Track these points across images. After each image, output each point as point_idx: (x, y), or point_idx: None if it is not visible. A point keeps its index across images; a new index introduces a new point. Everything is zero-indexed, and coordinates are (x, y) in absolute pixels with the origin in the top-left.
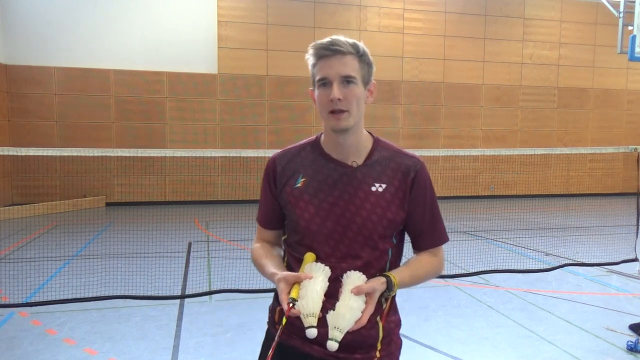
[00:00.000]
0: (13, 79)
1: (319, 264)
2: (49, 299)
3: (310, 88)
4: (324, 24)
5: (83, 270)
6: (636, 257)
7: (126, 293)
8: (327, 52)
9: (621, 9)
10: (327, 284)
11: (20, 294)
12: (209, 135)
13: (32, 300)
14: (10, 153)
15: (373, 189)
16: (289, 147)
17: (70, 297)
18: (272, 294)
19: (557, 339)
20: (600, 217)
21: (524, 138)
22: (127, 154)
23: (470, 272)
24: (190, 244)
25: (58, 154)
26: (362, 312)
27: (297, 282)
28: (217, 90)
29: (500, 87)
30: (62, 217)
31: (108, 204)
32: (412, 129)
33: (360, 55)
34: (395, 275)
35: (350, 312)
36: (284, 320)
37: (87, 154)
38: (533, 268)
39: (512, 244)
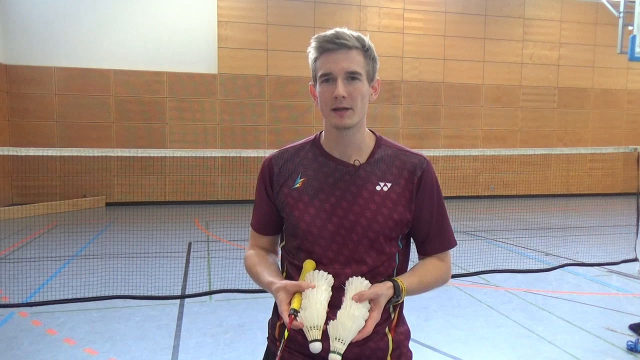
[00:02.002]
0: (13, 79)
1: (321, 271)
2: (49, 299)
3: (311, 83)
4: (324, 24)
5: (83, 270)
6: (636, 257)
7: (126, 293)
8: (331, 46)
9: (621, 9)
10: (331, 293)
11: (20, 294)
12: (209, 135)
13: (32, 300)
14: (10, 153)
15: (378, 188)
16: (286, 146)
17: (70, 297)
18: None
19: (557, 339)
20: (600, 217)
21: (524, 138)
22: (127, 154)
23: (470, 272)
24: (190, 244)
25: (58, 154)
26: (366, 321)
27: (298, 291)
28: (217, 90)
29: (500, 87)
30: (62, 217)
31: (108, 204)
32: (412, 129)
33: (366, 50)
34: (403, 280)
35: (352, 321)
36: (286, 333)
37: (87, 154)
38: (533, 268)
39: (512, 244)
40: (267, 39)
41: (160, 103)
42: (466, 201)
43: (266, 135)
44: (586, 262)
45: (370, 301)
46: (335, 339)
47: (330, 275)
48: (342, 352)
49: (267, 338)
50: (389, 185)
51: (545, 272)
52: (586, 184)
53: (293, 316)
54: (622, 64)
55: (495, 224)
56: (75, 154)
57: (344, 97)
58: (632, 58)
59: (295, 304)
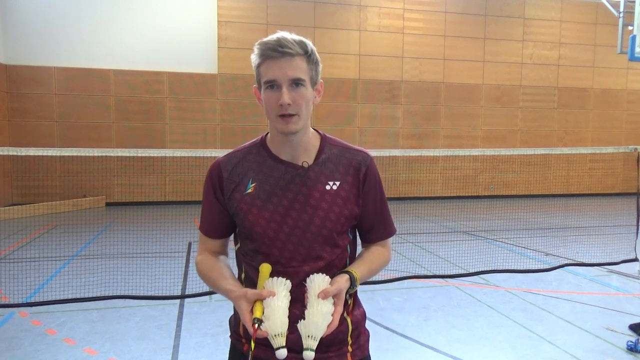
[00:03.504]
0: (13, 79)
1: (280, 278)
2: (49, 299)
3: (255, 86)
4: (324, 24)
5: (83, 270)
6: (636, 257)
7: (126, 293)
8: (275, 54)
9: (621, 9)
10: (290, 297)
11: (20, 294)
12: (209, 135)
13: (32, 300)
14: (10, 153)
15: (327, 187)
16: (233, 150)
17: (70, 297)
18: None
19: (557, 339)
20: (600, 217)
21: (524, 138)
22: (127, 154)
23: (470, 272)
24: (190, 244)
25: (58, 154)
26: (333, 315)
27: (259, 299)
28: (217, 90)
29: (500, 87)
30: (62, 217)
31: (108, 204)
32: (412, 129)
33: (309, 55)
34: (356, 270)
35: (321, 318)
36: (252, 344)
37: (87, 154)
38: (533, 268)
39: (512, 244)
40: None
41: (160, 103)
42: (466, 201)
43: None
44: (586, 262)
45: (334, 296)
46: (308, 336)
47: (289, 281)
48: (314, 348)
49: (230, 336)
50: (337, 183)
51: (545, 272)
52: (586, 184)
53: (257, 326)
54: (622, 64)
55: (495, 224)
56: (75, 154)
57: (289, 104)
58: (632, 58)
59: (257, 313)
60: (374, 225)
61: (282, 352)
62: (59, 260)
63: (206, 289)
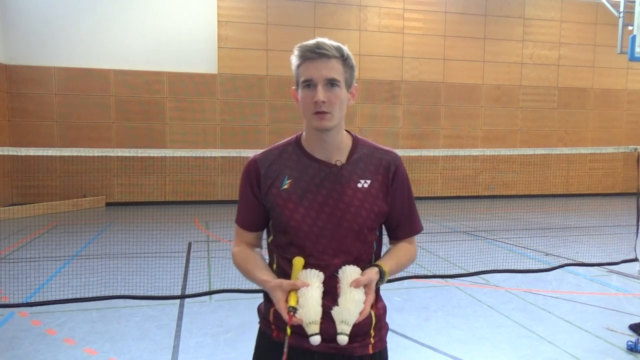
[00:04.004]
0: (13, 79)
1: (312, 270)
2: (49, 299)
3: (293, 87)
4: (324, 24)
5: (83, 270)
6: (636, 257)
7: (126, 293)
8: (312, 55)
9: (621, 9)
10: (323, 289)
11: (20, 294)
12: (209, 135)
13: (32, 300)
14: (10, 153)
15: (359, 185)
16: (269, 148)
17: (70, 297)
18: None
19: (557, 339)
20: (600, 217)
21: (524, 138)
22: (127, 154)
23: (470, 272)
24: (190, 244)
25: (58, 154)
26: (364, 303)
27: (293, 289)
28: (217, 90)
29: (500, 87)
30: (62, 217)
31: (108, 204)
32: (412, 129)
33: (345, 59)
34: (385, 264)
35: (354, 305)
36: (288, 330)
37: (87, 154)
38: (533, 268)
39: (512, 244)
40: (267, 39)
41: (160, 103)
42: (466, 201)
43: (266, 135)
44: (586, 262)
45: (365, 286)
46: (341, 322)
47: (322, 273)
48: (348, 332)
49: (259, 322)
50: (368, 182)
51: (545, 272)
52: (586, 184)
53: (292, 314)
54: (622, 64)
55: (495, 224)
56: (75, 154)
57: (323, 102)
58: (632, 58)
59: (292, 302)
60: (401, 222)
61: (316, 339)
62: (59, 260)
63: (206, 288)
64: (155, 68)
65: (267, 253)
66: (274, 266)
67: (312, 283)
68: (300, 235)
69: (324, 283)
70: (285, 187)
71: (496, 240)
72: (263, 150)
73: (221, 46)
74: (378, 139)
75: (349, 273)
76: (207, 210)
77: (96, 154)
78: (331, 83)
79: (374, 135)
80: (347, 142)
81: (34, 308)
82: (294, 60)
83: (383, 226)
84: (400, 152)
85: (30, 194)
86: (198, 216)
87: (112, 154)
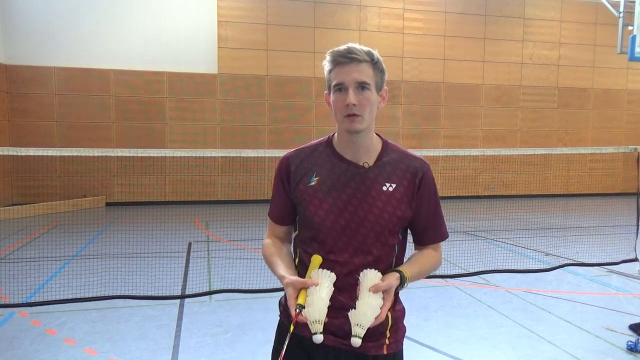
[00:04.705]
0: (13, 79)
1: (325, 270)
2: (49, 299)
3: (326, 92)
4: (324, 24)
5: (83, 270)
6: (636, 257)
7: (126, 293)
8: (344, 60)
9: (621, 9)
10: (332, 289)
11: (20, 294)
12: (209, 135)
13: (32, 300)
14: (10, 153)
15: (384, 188)
16: (302, 146)
17: (70, 297)
18: (272, 294)
19: (557, 339)
20: (600, 217)
21: (524, 138)
22: (127, 154)
23: (470, 272)
24: (190, 244)
25: (58, 154)
26: (381, 308)
27: (304, 287)
28: (217, 90)
29: (500, 87)
30: (62, 217)
31: (108, 204)
32: (412, 129)
33: (375, 63)
34: (407, 270)
35: (370, 310)
36: (292, 327)
37: (87, 154)
38: (533, 268)
39: (512, 244)
40: (267, 39)
41: (160, 103)
42: (466, 201)
43: (266, 135)
44: (586, 262)
45: (384, 291)
46: (356, 325)
47: (333, 274)
48: (362, 335)
49: (280, 315)
50: (393, 186)
51: (545, 272)
52: (586, 184)
53: (298, 311)
54: (622, 64)
55: (495, 224)
56: (75, 154)
57: (354, 104)
58: (632, 58)
59: (301, 300)
60: (426, 227)
61: (319, 337)
62: (59, 260)
63: (206, 288)
64: (155, 68)
65: (293, 247)
66: (297, 260)
67: (321, 283)
68: (323, 230)
69: (340, 280)
70: (313, 183)
71: (496, 240)
72: (296, 148)
73: (221, 46)
74: None
75: (370, 277)
76: (207, 210)
77: (96, 154)
78: (362, 86)
79: None
80: (377, 145)
81: (34, 308)
82: (326, 65)
83: (409, 231)
84: None
85: (30, 194)
86: (198, 216)
87: (112, 154)
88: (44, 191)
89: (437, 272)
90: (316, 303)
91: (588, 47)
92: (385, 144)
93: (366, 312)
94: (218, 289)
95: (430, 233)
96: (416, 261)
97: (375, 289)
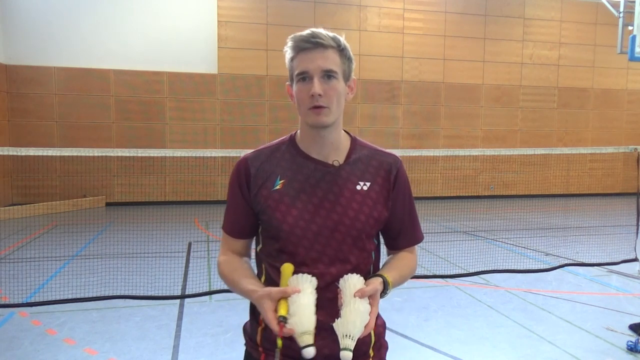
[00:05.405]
0: (13, 79)
1: (305, 275)
2: (49, 299)
3: (288, 83)
4: (324, 24)
5: (83, 270)
6: (636, 257)
7: (126, 293)
8: (307, 45)
9: (621, 9)
10: (316, 295)
11: (20, 294)
12: (209, 135)
13: (32, 300)
14: (10, 153)
15: (358, 187)
16: (261, 147)
17: (70, 297)
18: None
19: (557, 339)
20: (600, 217)
21: (524, 138)
22: (127, 154)
23: (470, 272)
24: (190, 244)
25: (58, 154)
26: (369, 315)
27: (283, 297)
28: (217, 90)
29: (500, 87)
30: (62, 217)
31: (108, 204)
32: (412, 129)
33: (342, 50)
34: (388, 275)
35: (360, 317)
36: (279, 342)
37: (87, 154)
38: (533, 268)
39: (512, 244)
40: (267, 39)
41: (160, 103)
42: (466, 201)
43: (266, 135)
44: (586, 262)
45: (369, 297)
46: (345, 336)
47: (314, 278)
48: (352, 348)
49: (245, 344)
50: (368, 184)
51: (545, 272)
52: (586, 184)
53: (283, 323)
54: (622, 64)
55: (495, 224)
56: (75, 154)
57: (320, 95)
58: (632, 58)
59: (282, 311)
60: (402, 229)
61: (310, 351)
62: (59, 260)
63: (206, 288)
64: (155, 68)
65: (255, 263)
66: (262, 277)
67: (304, 289)
68: (293, 240)
69: (319, 296)
70: (278, 187)
71: (496, 240)
72: (255, 149)
73: (221, 46)
74: (378, 139)
75: (353, 282)
76: (207, 210)
77: (96, 154)
78: (328, 75)
79: (374, 135)
80: (345, 142)
81: (34, 308)
82: (288, 52)
83: (380, 235)
84: (400, 152)
85: (30, 194)
86: (198, 216)
87: (112, 154)
88: (44, 191)
89: (437, 272)
90: (302, 311)
91: (588, 47)
92: (354, 140)
93: (354, 319)
94: (218, 289)
95: (407, 236)
96: (395, 266)
97: (361, 294)
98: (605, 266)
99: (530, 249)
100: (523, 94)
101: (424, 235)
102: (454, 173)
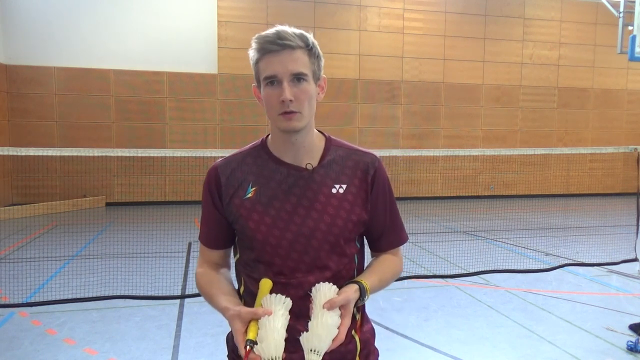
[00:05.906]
0: (13, 79)
1: (279, 295)
2: (49, 299)
3: (254, 85)
4: (324, 24)
5: (83, 270)
6: (636, 257)
7: (126, 293)
8: (274, 47)
9: (621, 9)
10: (289, 317)
11: (20, 294)
12: (209, 135)
13: (32, 300)
14: (10, 153)
15: (334, 190)
16: (231, 154)
17: (70, 297)
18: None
19: (557, 339)
20: (600, 217)
21: (524, 138)
22: (127, 154)
23: (470, 272)
24: (190, 244)
25: (58, 154)
26: (339, 328)
27: (254, 319)
28: (217, 90)
29: (500, 87)
30: (62, 217)
31: (108, 204)
32: (412, 129)
33: (310, 49)
34: (366, 280)
35: (326, 331)
36: None
37: (87, 154)
38: (533, 268)
39: (512, 244)
40: None
41: (160, 103)
42: (466, 201)
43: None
44: (586, 262)
45: (341, 307)
46: (310, 350)
47: (289, 299)
48: None
49: (228, 356)
50: (344, 186)
51: (545, 272)
52: (586, 184)
53: (249, 348)
54: (622, 64)
55: (495, 224)
56: (75, 154)
57: (291, 100)
58: (632, 58)
59: (251, 334)
60: (384, 231)
61: None
62: (59, 260)
63: None
64: (155, 68)
65: (235, 274)
66: (242, 289)
67: (275, 311)
68: (268, 249)
69: (296, 305)
70: (249, 195)
71: (496, 240)
72: (225, 156)
73: (221, 46)
74: (378, 139)
75: (323, 292)
76: None
77: (96, 154)
78: (298, 78)
79: (374, 135)
80: (319, 143)
81: (34, 308)
82: (252, 54)
83: (364, 237)
84: (400, 152)
85: (30, 194)
86: (198, 216)
87: (112, 154)
88: (44, 191)
89: (437, 272)
90: (270, 336)
91: (588, 47)
92: (329, 141)
93: (320, 333)
94: None
95: (389, 237)
96: (375, 269)
97: (330, 305)
98: (605, 266)
99: (530, 249)
100: (523, 94)
101: (424, 235)
102: (454, 173)
